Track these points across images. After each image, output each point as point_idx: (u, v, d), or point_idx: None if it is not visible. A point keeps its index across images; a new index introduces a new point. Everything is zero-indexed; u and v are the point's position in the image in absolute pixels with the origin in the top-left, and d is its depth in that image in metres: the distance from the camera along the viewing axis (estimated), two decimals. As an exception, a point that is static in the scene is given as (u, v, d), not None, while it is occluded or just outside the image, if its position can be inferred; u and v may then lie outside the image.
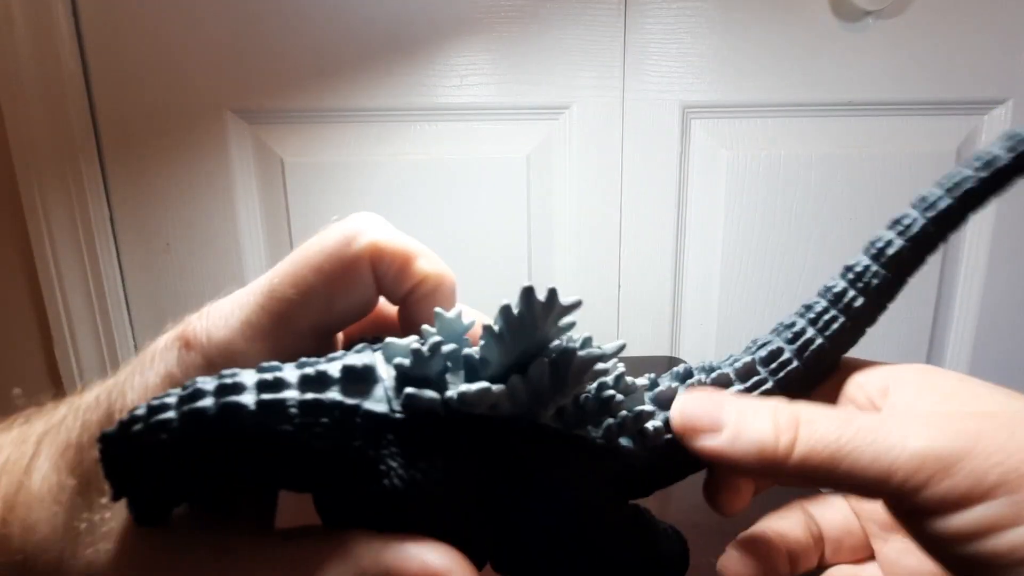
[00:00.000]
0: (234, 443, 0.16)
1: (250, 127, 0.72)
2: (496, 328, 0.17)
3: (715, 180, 0.75)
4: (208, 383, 0.16)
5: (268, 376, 0.16)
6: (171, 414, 0.16)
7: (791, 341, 0.22)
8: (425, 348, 0.17)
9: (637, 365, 0.76)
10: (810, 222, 0.76)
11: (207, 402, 0.16)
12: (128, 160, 0.71)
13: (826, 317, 0.22)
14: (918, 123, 0.74)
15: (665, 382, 0.22)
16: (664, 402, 0.21)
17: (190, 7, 0.68)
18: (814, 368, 0.22)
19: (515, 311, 0.17)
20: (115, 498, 0.16)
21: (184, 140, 0.71)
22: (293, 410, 0.16)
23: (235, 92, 0.70)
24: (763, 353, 0.22)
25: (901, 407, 0.19)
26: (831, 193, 0.75)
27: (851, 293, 0.22)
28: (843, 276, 0.22)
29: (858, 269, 0.21)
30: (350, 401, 0.16)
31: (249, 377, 0.16)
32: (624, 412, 0.20)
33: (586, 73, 0.71)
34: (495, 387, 0.17)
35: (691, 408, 0.20)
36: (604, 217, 0.75)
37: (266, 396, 0.16)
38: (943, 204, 0.20)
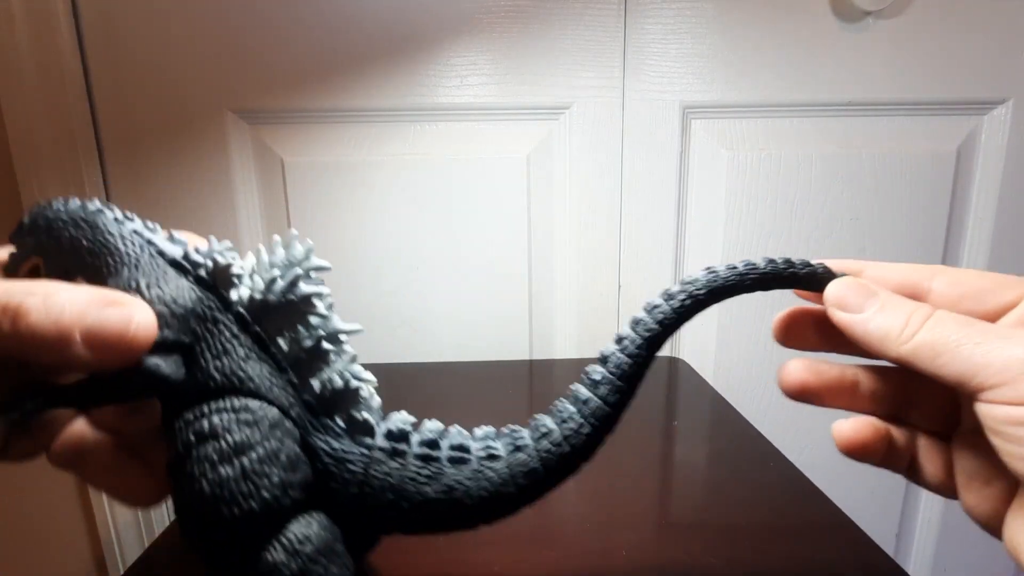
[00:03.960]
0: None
1: (250, 127, 0.72)
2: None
3: (715, 180, 0.75)
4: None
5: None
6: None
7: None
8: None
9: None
10: (810, 222, 0.76)
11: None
12: (128, 160, 0.71)
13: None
14: (918, 123, 0.74)
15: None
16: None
17: (190, 8, 0.68)
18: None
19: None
20: (12, 239, 0.23)
21: (184, 140, 0.71)
22: None
23: (235, 92, 0.70)
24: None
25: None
26: (831, 193, 0.75)
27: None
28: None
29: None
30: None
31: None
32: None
33: (586, 73, 0.71)
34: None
35: (844, 290, 0.24)
36: (604, 217, 0.75)
37: None
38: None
